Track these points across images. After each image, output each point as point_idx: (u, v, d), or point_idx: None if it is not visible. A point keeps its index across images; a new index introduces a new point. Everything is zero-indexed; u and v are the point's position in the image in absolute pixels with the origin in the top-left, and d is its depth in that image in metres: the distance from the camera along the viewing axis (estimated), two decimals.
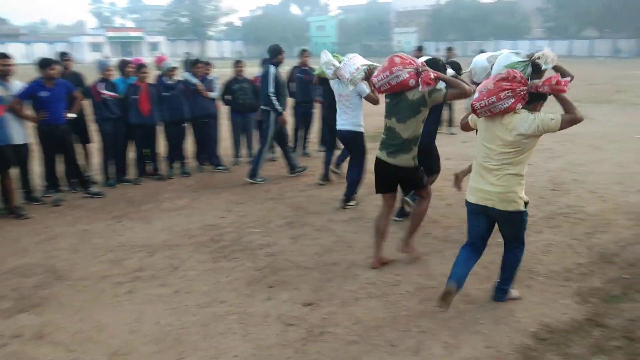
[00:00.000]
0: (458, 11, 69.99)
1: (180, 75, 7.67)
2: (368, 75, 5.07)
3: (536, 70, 3.44)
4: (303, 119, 8.35)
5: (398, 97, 3.97)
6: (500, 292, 3.67)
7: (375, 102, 5.73)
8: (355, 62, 5.21)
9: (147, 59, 14.67)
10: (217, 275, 4.22)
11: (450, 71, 4.52)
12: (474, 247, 3.60)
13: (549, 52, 3.52)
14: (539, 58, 3.47)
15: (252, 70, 8.62)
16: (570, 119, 3.14)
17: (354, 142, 5.90)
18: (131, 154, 7.15)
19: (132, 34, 69.69)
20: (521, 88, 3.17)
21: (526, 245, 4.54)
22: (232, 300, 3.79)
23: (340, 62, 5.46)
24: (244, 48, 75.71)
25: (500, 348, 3.12)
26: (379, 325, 3.40)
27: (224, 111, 8.01)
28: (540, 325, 3.36)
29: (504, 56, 3.75)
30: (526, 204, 3.44)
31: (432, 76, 3.72)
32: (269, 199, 6.27)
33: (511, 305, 3.62)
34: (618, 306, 3.58)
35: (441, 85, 3.94)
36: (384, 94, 4.13)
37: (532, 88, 3.19)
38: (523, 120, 3.17)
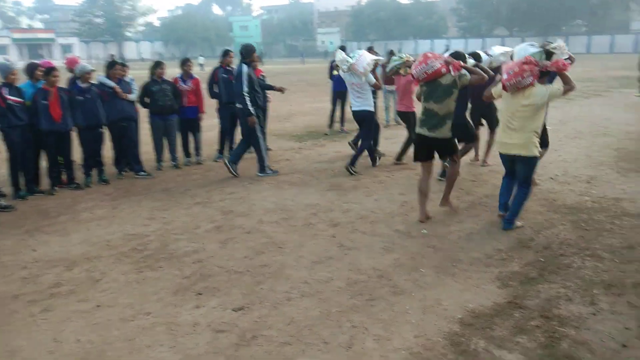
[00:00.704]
0: (377, 12, 71.95)
1: (95, 78, 7.28)
2: (374, 68, 7.09)
3: (548, 57, 4.79)
4: (230, 121, 8.16)
5: (433, 84, 5.00)
6: (509, 223, 4.90)
7: (379, 88, 7.51)
8: (366, 58, 6.90)
9: (58, 62, 13.81)
10: (142, 286, 4.03)
11: (471, 61, 5.85)
12: (509, 177, 5.04)
13: (562, 44, 5.16)
14: (555, 48, 4.99)
15: (172, 72, 8.37)
16: (569, 88, 4.56)
17: (369, 119, 7.32)
18: (43, 162, 6.69)
19: (42, 35, 65.51)
20: (536, 68, 4.48)
21: (449, 235, 4.73)
22: (159, 311, 3.63)
23: (352, 58, 6.97)
24: (164, 49, 73.48)
25: (429, 336, 3.20)
26: (312, 324, 3.39)
27: (143, 114, 7.70)
28: (466, 311, 3.49)
29: (522, 48, 5.10)
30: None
31: (460, 63, 4.93)
32: (195, 203, 6.09)
33: (438, 294, 3.73)
34: (535, 287, 3.80)
35: (465, 72, 5.04)
36: (419, 83, 5.19)
37: (543, 68, 4.54)
38: (539, 91, 4.54)
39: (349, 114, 10.56)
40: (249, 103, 6.95)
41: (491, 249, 4.52)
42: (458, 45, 66.05)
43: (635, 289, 3.70)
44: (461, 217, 5.35)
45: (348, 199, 6.02)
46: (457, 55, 5.23)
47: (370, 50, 11.02)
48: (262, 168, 7.30)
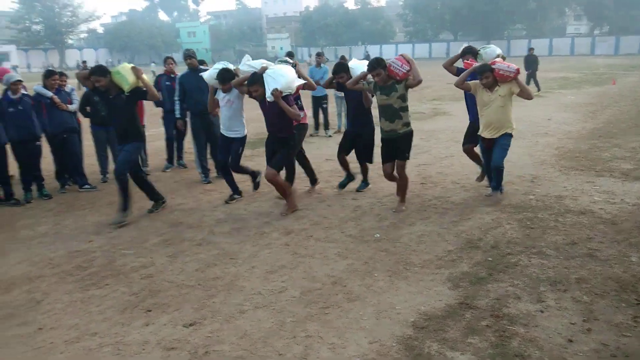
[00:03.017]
0: (326, 17, 72.52)
1: (31, 89, 6.94)
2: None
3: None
4: (174, 129, 7.95)
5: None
6: (496, 189, 5.93)
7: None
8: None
9: None
10: (87, 305, 3.85)
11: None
12: (488, 153, 5.86)
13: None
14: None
15: None
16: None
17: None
18: None
19: None
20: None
21: (401, 238, 4.78)
22: (106, 330, 3.48)
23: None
24: (109, 56, 71.26)
25: (383, 342, 3.21)
26: (266, 336, 3.33)
27: (86, 125, 7.41)
28: (418, 314, 3.52)
29: (492, 50, 6.04)
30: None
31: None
32: (142, 216, 5.90)
33: (391, 298, 3.76)
34: (485, 287, 3.88)
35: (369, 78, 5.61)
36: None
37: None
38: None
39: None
40: (177, 108, 7.38)
41: (441, 251, 4.60)
42: (406, 49, 67.58)
43: (579, 284, 3.85)
44: (412, 219, 5.43)
45: (302, 205, 5.99)
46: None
47: (319, 56, 11.11)
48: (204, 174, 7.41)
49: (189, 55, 7.22)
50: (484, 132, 5.76)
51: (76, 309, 3.81)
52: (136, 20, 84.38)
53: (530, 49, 18.86)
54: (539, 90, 17.58)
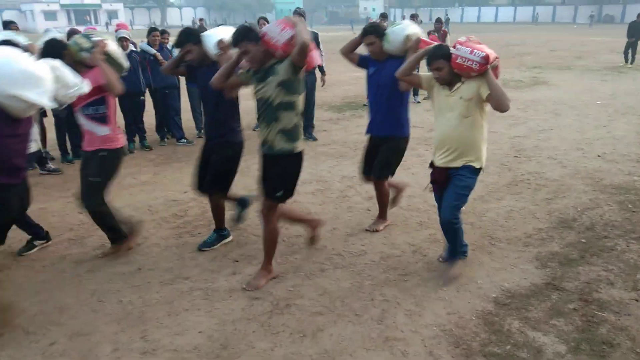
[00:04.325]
0: None
1: (138, 45, 7.38)
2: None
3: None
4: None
5: None
6: (453, 257, 3.69)
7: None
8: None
9: (102, 27, 13.99)
10: (181, 251, 4.15)
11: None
12: (440, 191, 3.64)
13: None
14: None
15: None
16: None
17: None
18: None
19: (88, 1, 66.65)
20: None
21: (488, 212, 4.63)
22: (197, 276, 3.74)
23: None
24: (207, 15, 73.56)
25: (462, 314, 3.18)
26: (344, 296, 3.42)
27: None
28: (501, 291, 3.44)
29: (400, 28, 3.97)
30: None
31: None
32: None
33: (473, 272, 3.69)
34: (575, 269, 3.70)
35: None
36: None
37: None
38: None
39: None
40: None
41: (531, 228, 4.41)
42: (508, 13, 63.40)
43: None
44: (501, 193, 5.23)
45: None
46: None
47: (413, 17, 10.75)
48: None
49: (298, 14, 7.29)
50: (435, 156, 3.53)
51: (171, 253, 4.12)
52: None
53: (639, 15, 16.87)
54: (627, 62, 15.82)
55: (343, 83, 13.64)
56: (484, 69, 3.15)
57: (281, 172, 3.42)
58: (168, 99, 7.36)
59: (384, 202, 4.49)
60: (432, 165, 3.59)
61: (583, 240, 4.15)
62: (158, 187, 5.69)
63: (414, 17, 10.77)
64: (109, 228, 4.03)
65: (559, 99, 10.52)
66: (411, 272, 3.72)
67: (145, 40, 7.31)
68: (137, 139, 7.29)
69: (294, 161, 3.43)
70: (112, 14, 64.66)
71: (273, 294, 3.47)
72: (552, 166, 6.12)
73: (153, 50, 7.12)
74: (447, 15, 45.44)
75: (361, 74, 4.48)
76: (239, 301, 3.40)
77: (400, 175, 5.82)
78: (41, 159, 6.19)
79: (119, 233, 4.06)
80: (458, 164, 3.40)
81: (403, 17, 47.47)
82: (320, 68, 7.47)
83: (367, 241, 4.24)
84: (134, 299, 3.44)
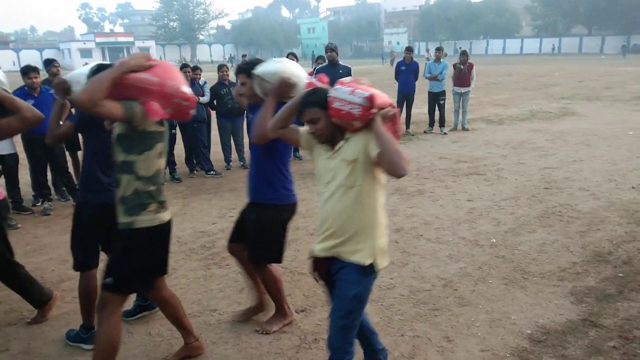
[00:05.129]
0: (447, 10, 70.37)
1: None
2: None
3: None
4: None
5: None
6: None
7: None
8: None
9: None
10: (209, 282, 4.16)
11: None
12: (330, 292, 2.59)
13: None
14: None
15: None
16: None
17: None
18: None
19: (122, 39, 69.51)
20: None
21: (520, 245, 4.52)
22: (224, 308, 3.74)
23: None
24: (235, 51, 75.61)
25: (495, 351, 3.08)
26: None
27: (213, 116, 7.96)
28: (536, 327, 3.33)
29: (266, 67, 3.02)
30: None
31: None
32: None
33: (506, 307, 3.59)
34: (613, 305, 3.56)
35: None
36: None
37: None
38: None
39: (415, 116, 10.42)
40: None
41: (565, 262, 4.29)
42: (533, 45, 63.36)
43: None
44: (533, 226, 5.12)
45: (412, 204, 5.92)
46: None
47: (438, 50, 10.83)
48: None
49: (330, 49, 7.48)
50: (317, 242, 2.47)
51: (199, 285, 4.13)
52: (261, 17, 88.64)
53: None
54: None
55: None
56: (367, 115, 2.21)
57: (120, 254, 2.69)
58: (197, 132, 7.52)
59: (272, 292, 3.37)
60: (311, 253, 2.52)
61: (620, 275, 4.01)
62: (187, 219, 5.76)
63: (439, 50, 10.84)
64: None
65: (588, 130, 10.35)
66: (442, 306, 3.64)
67: None
68: (167, 171, 7.43)
69: (136, 241, 2.66)
70: (144, 51, 67.06)
71: (301, 327, 3.43)
72: (584, 198, 5.97)
73: None
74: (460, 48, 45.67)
75: None
76: (266, 335, 3.36)
77: (427, 207, 5.77)
78: (74, 190, 6.33)
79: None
80: (343, 255, 2.35)
81: (427, 50, 47.86)
82: None
83: (395, 274, 4.18)
84: (163, 331, 3.45)
